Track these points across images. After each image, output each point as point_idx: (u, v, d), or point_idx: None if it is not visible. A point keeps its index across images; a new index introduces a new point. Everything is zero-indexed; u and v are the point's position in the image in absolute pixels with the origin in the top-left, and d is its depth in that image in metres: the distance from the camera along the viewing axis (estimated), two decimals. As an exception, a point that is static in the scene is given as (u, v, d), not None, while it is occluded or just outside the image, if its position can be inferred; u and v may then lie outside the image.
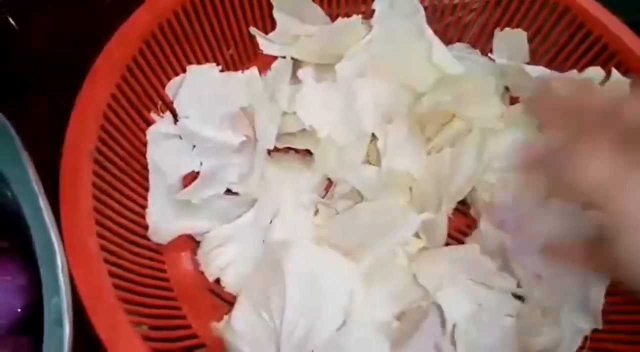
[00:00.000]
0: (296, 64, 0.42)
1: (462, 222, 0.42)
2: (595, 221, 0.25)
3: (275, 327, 0.34)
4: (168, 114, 0.40)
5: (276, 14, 0.42)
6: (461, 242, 0.41)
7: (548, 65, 0.42)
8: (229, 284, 0.37)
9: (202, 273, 0.38)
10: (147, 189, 0.38)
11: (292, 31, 0.42)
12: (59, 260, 0.26)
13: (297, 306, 0.33)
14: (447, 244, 0.40)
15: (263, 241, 0.38)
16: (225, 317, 0.35)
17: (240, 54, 0.44)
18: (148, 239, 0.37)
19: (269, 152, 0.40)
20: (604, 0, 0.42)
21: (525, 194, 0.38)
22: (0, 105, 0.30)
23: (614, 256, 0.24)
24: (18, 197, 0.27)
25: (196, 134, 0.39)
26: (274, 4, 0.42)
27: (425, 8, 0.42)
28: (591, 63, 0.41)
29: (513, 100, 0.45)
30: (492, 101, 0.41)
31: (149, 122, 0.39)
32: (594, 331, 0.37)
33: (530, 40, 0.44)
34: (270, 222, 0.38)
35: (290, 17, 0.42)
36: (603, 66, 0.40)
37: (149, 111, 0.39)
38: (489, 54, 0.44)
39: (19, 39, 0.44)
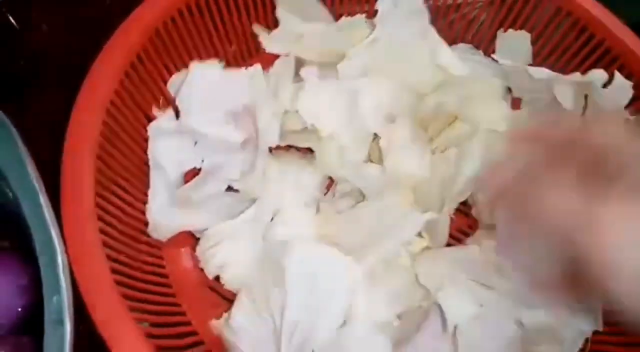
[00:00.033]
0: (299, 62, 0.42)
1: (464, 223, 0.42)
2: (567, 253, 0.25)
3: (275, 327, 0.33)
4: (170, 110, 0.39)
5: (279, 12, 0.42)
6: (462, 243, 0.41)
7: (551, 67, 0.42)
8: (229, 281, 0.37)
9: (202, 270, 0.37)
10: (147, 185, 0.37)
11: (295, 29, 0.42)
12: (60, 259, 0.26)
13: (298, 306, 0.33)
14: (448, 245, 0.40)
15: (263, 238, 0.38)
16: (225, 315, 0.35)
17: (243, 51, 0.44)
18: (148, 236, 0.36)
19: (271, 149, 0.40)
20: (607, 2, 0.42)
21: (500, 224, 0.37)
22: (0, 105, 0.30)
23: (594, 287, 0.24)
24: (18, 196, 0.27)
25: (198, 131, 0.39)
26: (277, 1, 0.42)
27: (429, 8, 0.42)
28: (594, 66, 0.41)
29: (515, 102, 0.45)
30: (496, 103, 0.41)
31: (151, 119, 0.39)
32: (595, 332, 0.37)
33: (533, 42, 0.44)
34: (271, 219, 0.38)
35: (293, 15, 0.42)
36: (606, 69, 0.40)
37: (151, 107, 0.38)
38: (492, 55, 0.44)
39: (19, 38, 0.43)
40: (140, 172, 0.37)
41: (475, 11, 0.46)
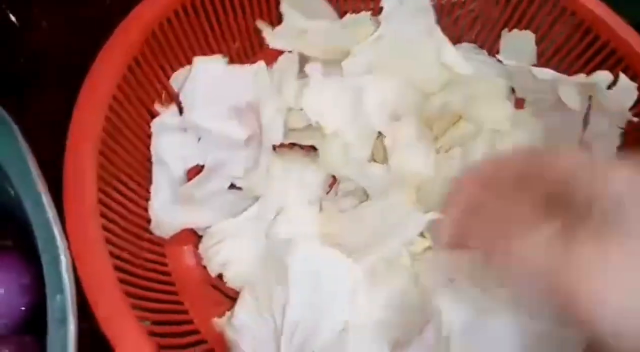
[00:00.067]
0: (303, 58, 0.42)
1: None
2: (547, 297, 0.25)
3: (276, 327, 0.33)
4: (173, 106, 0.39)
5: (283, 8, 0.42)
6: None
7: (555, 68, 0.41)
8: (231, 279, 0.37)
9: (204, 268, 0.37)
10: (150, 182, 0.37)
11: (299, 26, 0.42)
12: (63, 257, 0.26)
13: (301, 304, 0.33)
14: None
15: (266, 236, 0.38)
16: (228, 313, 0.35)
17: (247, 48, 0.44)
18: (151, 233, 0.36)
19: (274, 147, 0.40)
20: (611, 2, 0.42)
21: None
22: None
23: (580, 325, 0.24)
24: (20, 194, 0.27)
25: (201, 127, 0.39)
26: (281, -3, 0.42)
27: (434, 6, 0.41)
28: (599, 67, 0.41)
29: (518, 102, 0.45)
30: (500, 103, 0.41)
31: (154, 115, 0.38)
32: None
33: (537, 43, 0.44)
34: (274, 217, 0.38)
35: (297, 11, 0.42)
36: (611, 70, 0.40)
37: (154, 103, 0.38)
38: (496, 55, 0.44)
39: (19, 38, 0.43)
40: (143, 168, 0.37)
41: (480, 10, 0.45)
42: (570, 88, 0.40)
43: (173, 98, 0.39)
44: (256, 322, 0.34)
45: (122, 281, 0.30)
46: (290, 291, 0.33)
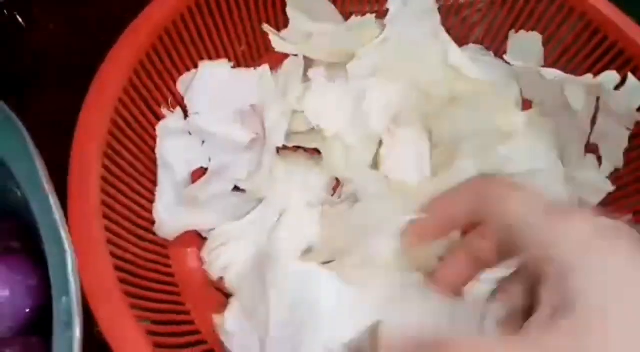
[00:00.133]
0: (308, 62, 0.42)
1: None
2: None
3: (260, 338, 0.33)
4: (178, 109, 0.40)
5: (289, 11, 0.42)
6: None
7: (563, 69, 0.41)
8: (232, 282, 0.37)
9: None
10: (155, 184, 0.37)
11: (305, 29, 0.42)
12: (69, 260, 0.26)
13: (282, 324, 0.32)
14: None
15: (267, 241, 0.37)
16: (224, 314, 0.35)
17: (252, 51, 0.44)
18: (154, 234, 0.37)
19: (278, 150, 0.40)
20: (617, 1, 0.42)
21: None
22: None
23: None
24: (27, 195, 0.27)
25: (206, 130, 0.39)
26: (287, 1, 0.42)
27: (440, 7, 0.41)
28: (607, 67, 0.41)
29: (525, 103, 0.44)
30: (509, 106, 0.41)
31: (160, 117, 0.39)
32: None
33: (544, 44, 0.44)
34: (278, 219, 0.38)
35: (303, 14, 0.42)
36: (619, 71, 0.39)
37: (160, 106, 0.39)
38: (503, 56, 0.44)
39: (19, 38, 0.44)
40: (147, 171, 0.37)
41: (488, 10, 0.45)
42: (577, 89, 0.40)
43: (178, 102, 0.39)
44: (243, 330, 0.33)
45: (123, 281, 0.30)
46: (271, 309, 0.32)
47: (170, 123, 0.39)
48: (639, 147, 0.41)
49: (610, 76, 0.39)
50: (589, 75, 0.40)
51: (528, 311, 0.23)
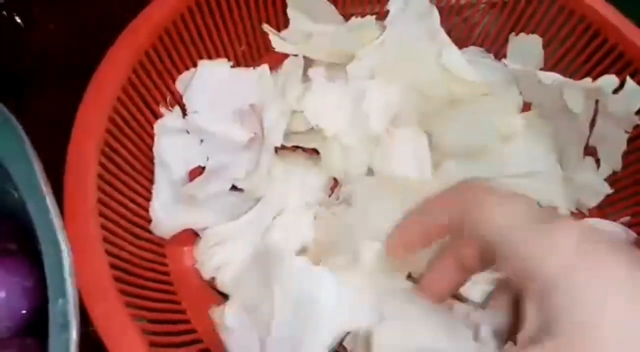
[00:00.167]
0: (308, 62, 0.42)
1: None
2: None
3: (260, 337, 0.33)
4: (177, 108, 0.40)
5: (290, 12, 0.42)
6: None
7: (563, 72, 0.41)
8: (224, 283, 0.37)
9: (204, 269, 0.37)
10: (152, 182, 0.37)
11: (305, 29, 0.42)
12: (66, 262, 0.26)
13: (284, 322, 0.32)
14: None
15: (262, 243, 0.37)
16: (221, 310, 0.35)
17: (252, 51, 0.44)
18: (151, 233, 0.37)
19: (276, 150, 0.40)
20: (620, 4, 0.41)
21: None
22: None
23: None
24: (24, 196, 0.27)
25: (204, 129, 0.39)
26: (287, 1, 0.42)
27: (441, 9, 0.41)
28: (607, 70, 0.41)
29: (524, 106, 0.44)
30: (508, 108, 0.41)
31: (158, 116, 0.39)
32: None
33: (544, 46, 0.44)
34: (272, 220, 0.38)
35: (303, 15, 0.42)
36: (619, 73, 0.39)
37: (158, 105, 0.39)
38: (503, 59, 0.44)
39: (19, 38, 0.44)
40: (145, 169, 0.37)
41: (488, 12, 0.45)
42: (575, 92, 0.40)
43: (177, 100, 0.39)
44: (243, 328, 0.33)
45: (119, 279, 0.30)
46: (275, 306, 0.32)
47: (168, 122, 0.39)
48: (637, 150, 0.41)
49: (609, 80, 0.39)
50: (588, 79, 0.40)
51: (516, 322, 0.23)
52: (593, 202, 0.42)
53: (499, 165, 0.40)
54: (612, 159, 0.41)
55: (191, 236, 0.38)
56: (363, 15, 0.41)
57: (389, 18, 0.41)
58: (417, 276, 0.33)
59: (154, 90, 0.38)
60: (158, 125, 0.38)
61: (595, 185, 0.42)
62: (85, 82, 0.34)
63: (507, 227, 0.23)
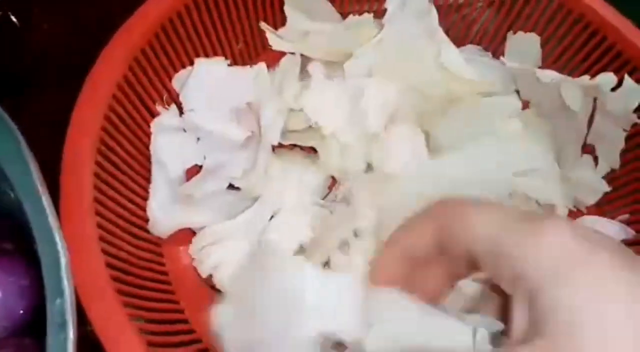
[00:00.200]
0: (305, 60, 0.42)
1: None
2: None
3: (249, 338, 0.33)
4: (173, 106, 0.39)
5: (287, 10, 0.42)
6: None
7: (560, 70, 0.41)
8: (222, 280, 0.36)
9: (201, 268, 0.37)
10: (149, 181, 0.37)
11: (302, 27, 0.42)
12: (63, 261, 0.26)
13: (269, 318, 0.32)
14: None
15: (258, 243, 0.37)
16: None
17: (250, 49, 0.44)
18: (148, 232, 0.36)
19: (274, 148, 0.40)
20: (620, 4, 0.41)
21: None
22: (-1, 104, 0.29)
23: None
24: (20, 197, 0.27)
25: (201, 128, 0.39)
26: (285, -1, 0.42)
27: (439, 7, 0.41)
28: (605, 69, 0.41)
29: (523, 104, 0.44)
30: (506, 107, 0.40)
31: (154, 114, 0.38)
32: None
33: (543, 44, 0.44)
34: (271, 218, 0.38)
35: (300, 13, 0.42)
36: (617, 72, 0.39)
37: (155, 103, 0.38)
38: (501, 58, 0.44)
39: (19, 38, 0.43)
40: (142, 168, 0.37)
41: (486, 10, 0.45)
42: (573, 90, 0.40)
43: (174, 99, 0.39)
44: (235, 327, 0.33)
45: (116, 279, 0.30)
46: (265, 308, 0.32)
47: (165, 120, 0.39)
48: (635, 148, 0.41)
49: (607, 78, 0.39)
50: (586, 77, 0.40)
51: (506, 323, 0.23)
52: (591, 200, 0.42)
53: (496, 163, 0.40)
54: (610, 157, 0.41)
55: (189, 235, 0.38)
56: (361, 13, 0.41)
57: (386, 16, 0.41)
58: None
59: (150, 89, 0.38)
60: (155, 124, 0.38)
61: (593, 183, 0.42)
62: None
63: (490, 233, 0.23)
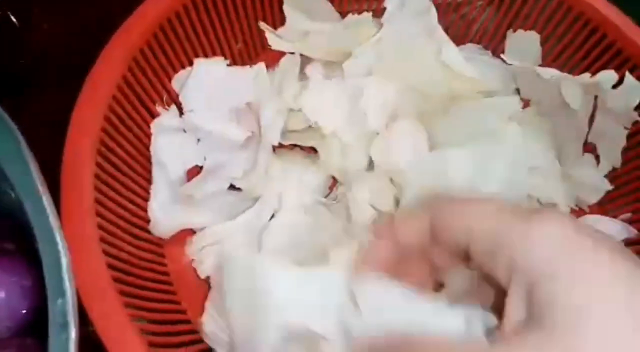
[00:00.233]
0: (305, 60, 0.42)
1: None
2: None
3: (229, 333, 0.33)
4: (173, 107, 0.39)
5: (286, 9, 0.42)
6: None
7: (561, 68, 0.41)
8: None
9: (203, 269, 0.37)
10: (150, 182, 0.37)
11: (302, 27, 0.42)
12: (64, 261, 0.26)
13: (238, 316, 0.31)
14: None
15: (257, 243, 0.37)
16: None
17: (249, 49, 0.44)
18: (149, 233, 0.36)
19: (274, 148, 0.40)
20: (621, 3, 0.41)
21: None
22: (-1, 104, 0.29)
23: None
24: (21, 197, 0.26)
25: (201, 128, 0.39)
26: (284, -1, 0.42)
27: (438, 6, 0.41)
28: (605, 67, 0.41)
29: (523, 103, 0.44)
30: (506, 105, 0.40)
31: (154, 115, 0.38)
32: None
33: (542, 43, 0.44)
34: (271, 218, 0.38)
35: (300, 12, 0.42)
36: (617, 69, 0.39)
37: (155, 104, 0.38)
38: (501, 56, 0.44)
39: (19, 38, 0.43)
40: (142, 169, 0.37)
41: (486, 9, 0.45)
42: (574, 88, 0.39)
43: (173, 99, 0.39)
44: (217, 326, 0.33)
45: (117, 280, 0.30)
46: (228, 309, 0.31)
47: (165, 121, 0.38)
48: (636, 146, 0.41)
49: (608, 75, 0.39)
50: (587, 75, 0.40)
51: (500, 315, 0.23)
52: (593, 199, 0.42)
53: (497, 162, 0.40)
54: (612, 155, 0.41)
55: (190, 235, 0.38)
56: (360, 13, 0.41)
57: (386, 15, 0.41)
58: None
59: (150, 89, 0.38)
60: (155, 125, 0.38)
61: (595, 182, 0.42)
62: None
63: (487, 225, 0.23)
